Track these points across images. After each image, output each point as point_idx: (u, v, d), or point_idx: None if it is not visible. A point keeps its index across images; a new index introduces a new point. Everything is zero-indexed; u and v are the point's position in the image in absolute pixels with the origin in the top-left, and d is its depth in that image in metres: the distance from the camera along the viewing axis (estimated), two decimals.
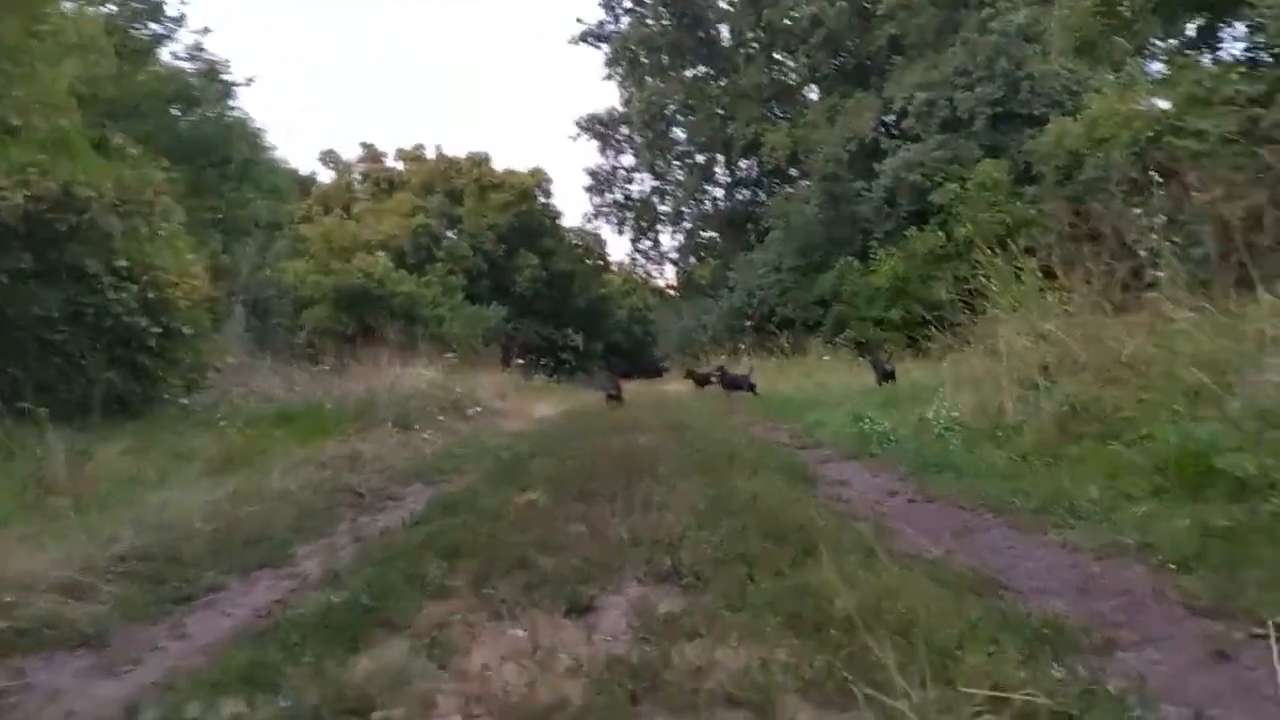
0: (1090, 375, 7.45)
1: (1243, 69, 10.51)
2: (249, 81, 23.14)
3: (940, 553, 4.29)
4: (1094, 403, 6.77)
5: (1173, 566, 3.64)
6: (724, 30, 36.44)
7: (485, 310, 38.64)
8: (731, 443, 8.67)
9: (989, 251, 11.48)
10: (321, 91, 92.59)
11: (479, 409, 14.54)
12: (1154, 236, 8.65)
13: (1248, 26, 10.96)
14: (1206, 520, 3.99)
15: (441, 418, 12.20)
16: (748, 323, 31.26)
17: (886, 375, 16.02)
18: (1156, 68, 33.35)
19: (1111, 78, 28.32)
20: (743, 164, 38.44)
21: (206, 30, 22.01)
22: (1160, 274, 8.55)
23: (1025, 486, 5.51)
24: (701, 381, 22.12)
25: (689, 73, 34.95)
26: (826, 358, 24.95)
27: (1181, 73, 12.07)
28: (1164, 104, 14.47)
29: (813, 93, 35.33)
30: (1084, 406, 6.73)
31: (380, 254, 35.88)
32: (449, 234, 44.55)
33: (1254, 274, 7.53)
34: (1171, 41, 14.10)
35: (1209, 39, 13.09)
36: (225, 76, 23.17)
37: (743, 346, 29.81)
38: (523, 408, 16.51)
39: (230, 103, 24.24)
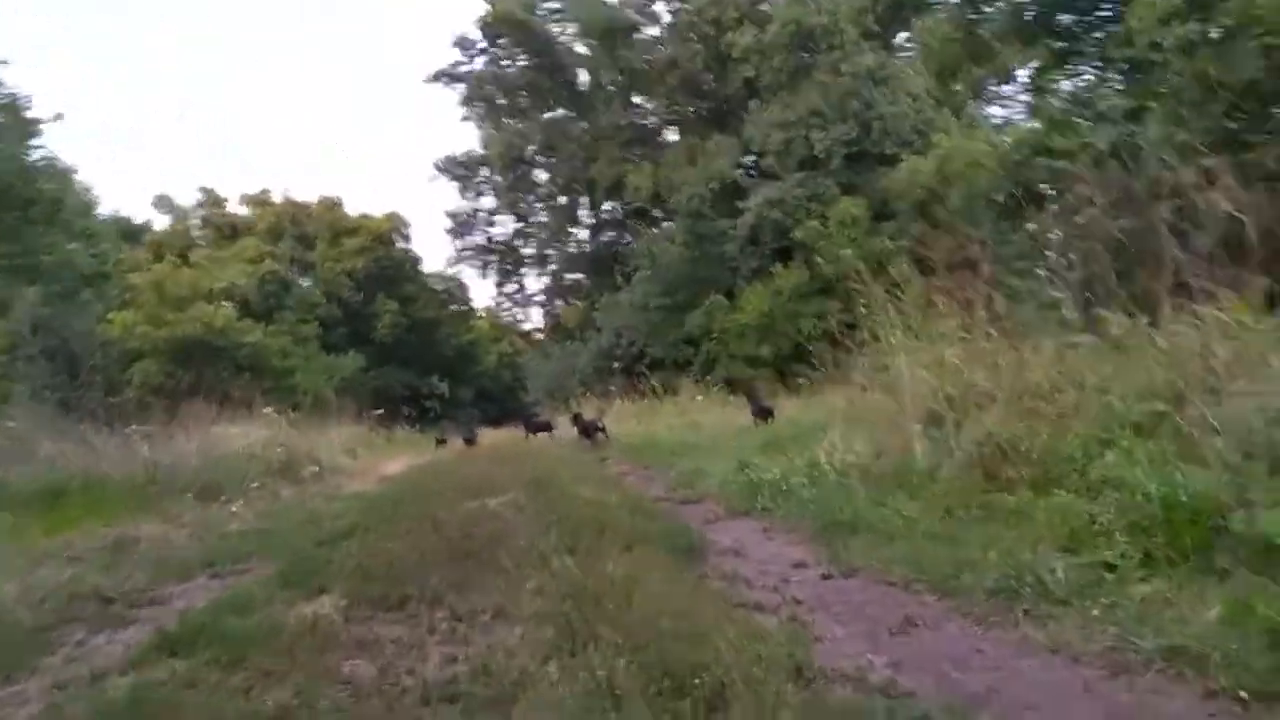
0: (1003, 408, 6.46)
1: (1118, 84, 10.13)
2: (57, 118, 20.26)
3: (886, 671, 2.99)
4: (1016, 440, 5.74)
5: (1243, 693, 2.43)
6: (582, 74, 35.71)
7: (341, 360, 36.03)
8: (602, 504, 7.26)
9: (864, 282, 10.48)
10: (160, 137, 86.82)
11: (317, 469, 12.61)
12: (1048, 255, 7.82)
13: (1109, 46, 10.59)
14: (1246, 606, 2.83)
15: (263, 484, 10.26)
16: (616, 364, 30.07)
17: (764, 413, 15.08)
18: (1001, 108, 34.68)
19: (954, 119, 29.14)
20: (606, 206, 37.64)
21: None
22: (1059, 294, 7.76)
23: (964, 554, 4.31)
24: (537, 429, 20.81)
25: (547, 115, 33.91)
26: (699, 397, 24.00)
27: (1043, 96, 11.67)
28: (1035, 125, 14.16)
29: (673, 134, 34.92)
30: (1009, 445, 5.67)
31: (224, 303, 32.96)
32: (301, 281, 41.70)
33: (1161, 292, 6.81)
34: (1033, 64, 13.80)
35: (1069, 60, 12.87)
36: (28, 112, 20.35)
37: (613, 389, 28.59)
38: (372, 465, 14.62)
39: (34, 141, 21.37)
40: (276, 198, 42.88)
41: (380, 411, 31.11)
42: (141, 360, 29.04)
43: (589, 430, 16.62)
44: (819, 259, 26.51)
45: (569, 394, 31.43)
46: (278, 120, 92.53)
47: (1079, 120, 10.36)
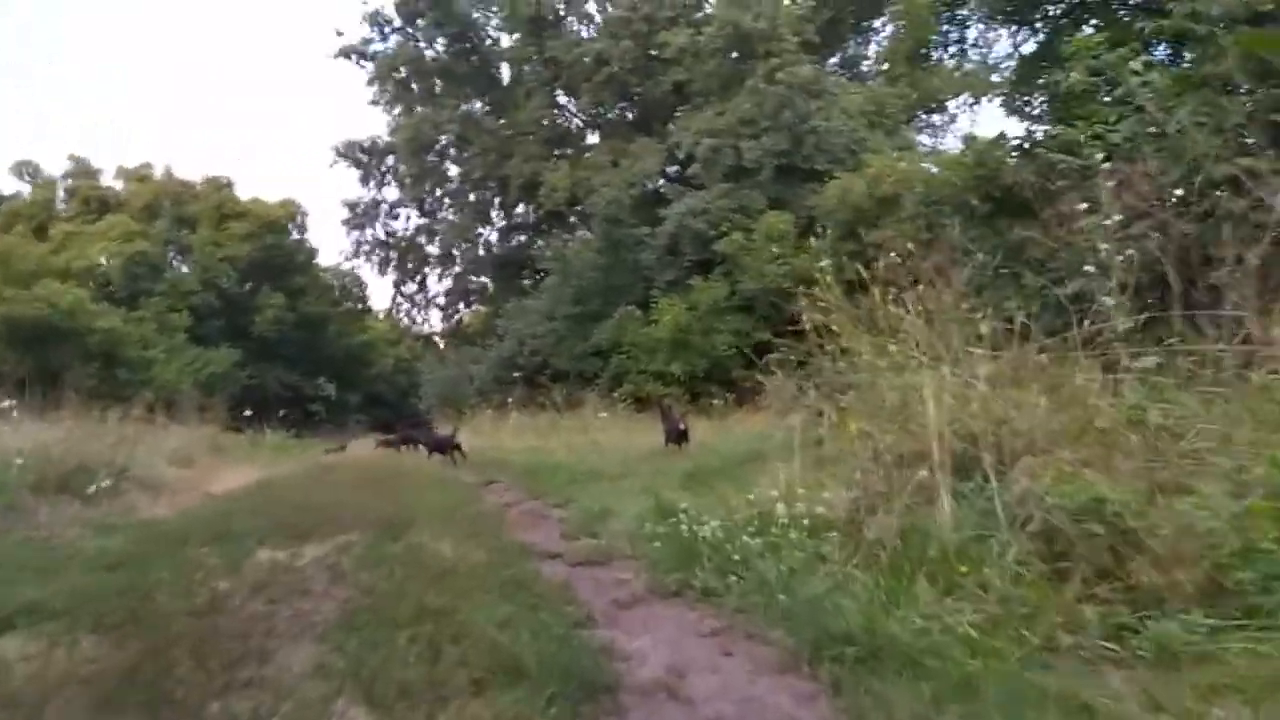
0: (1067, 453, 4.33)
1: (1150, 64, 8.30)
2: None
3: None
4: (1122, 508, 3.57)
5: None
6: (504, 66, 33.13)
7: (212, 353, 32.29)
8: (467, 563, 4.84)
9: (824, 285, 8.48)
10: (43, 98, 79.53)
11: (123, 481, 9.71)
12: (1099, 250, 5.80)
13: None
14: None
15: (11, 504, 7.41)
16: (517, 374, 27.48)
17: (678, 435, 12.88)
18: (929, 138, 33.56)
19: (885, 138, 27.83)
20: (519, 209, 35.06)
21: None
22: (1108, 300, 5.73)
23: None
24: (398, 444, 18.13)
25: (464, 107, 31.19)
26: (603, 414, 21.66)
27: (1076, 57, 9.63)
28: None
29: (595, 137, 32.70)
30: (1112, 516, 3.50)
31: (76, 284, 28.94)
32: (176, 265, 37.70)
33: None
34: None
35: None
36: None
37: (510, 400, 26.01)
38: (205, 478, 11.71)
39: None
40: (160, 174, 38.81)
41: (249, 413, 27.79)
42: None
43: (440, 446, 14.27)
44: (742, 274, 24.65)
45: (464, 403, 28.66)
46: (173, 95, 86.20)
47: (1100, 105, 8.48)
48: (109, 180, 38.18)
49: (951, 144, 31.55)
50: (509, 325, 30.67)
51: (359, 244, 35.32)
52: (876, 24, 34.83)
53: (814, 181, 26.76)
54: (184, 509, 8.41)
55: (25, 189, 35.77)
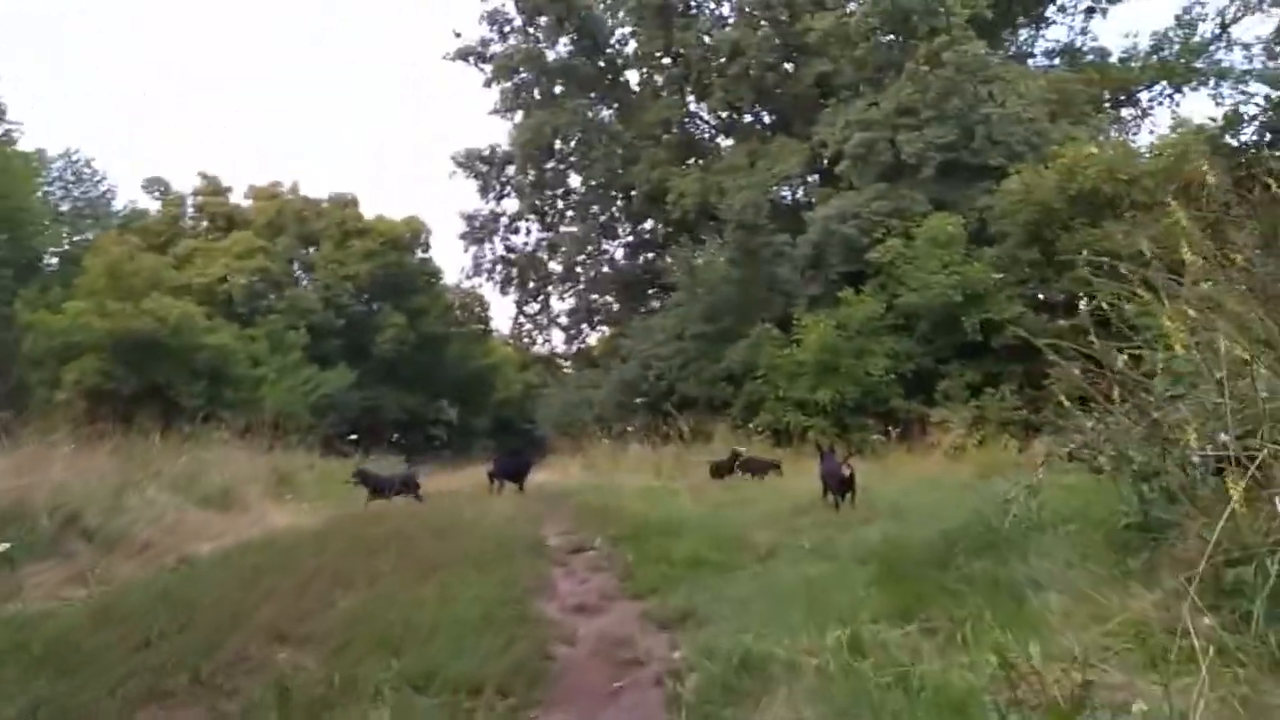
0: None
1: None
2: None
3: None
4: None
5: None
6: (630, 65, 30.86)
7: (327, 373, 31.12)
8: None
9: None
10: (189, 125, 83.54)
11: (67, 531, 7.42)
12: None
13: None
14: None
15: None
16: (640, 400, 24.74)
17: (842, 485, 9.72)
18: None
19: (1071, 129, 23.62)
20: (648, 224, 32.59)
21: None
22: None
23: None
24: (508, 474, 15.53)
25: (586, 110, 29.03)
26: (740, 448, 18.59)
27: None
28: None
29: (728, 141, 29.87)
30: None
31: (191, 300, 28.30)
32: (300, 283, 37.19)
33: None
34: None
35: None
36: None
37: (630, 429, 23.28)
38: (228, 524, 9.39)
39: None
40: (287, 192, 38.59)
41: (354, 437, 26.14)
42: (80, 358, 24.32)
43: (379, 488, 11.74)
44: (900, 286, 21.10)
45: (582, 431, 26.07)
46: (305, 115, 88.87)
47: None
48: (237, 198, 38.24)
49: (1145, 140, 26.83)
50: (633, 346, 28.06)
51: (478, 260, 33.63)
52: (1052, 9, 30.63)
53: (986, 179, 22.98)
54: (91, 595, 5.82)
55: (155, 205, 36.02)
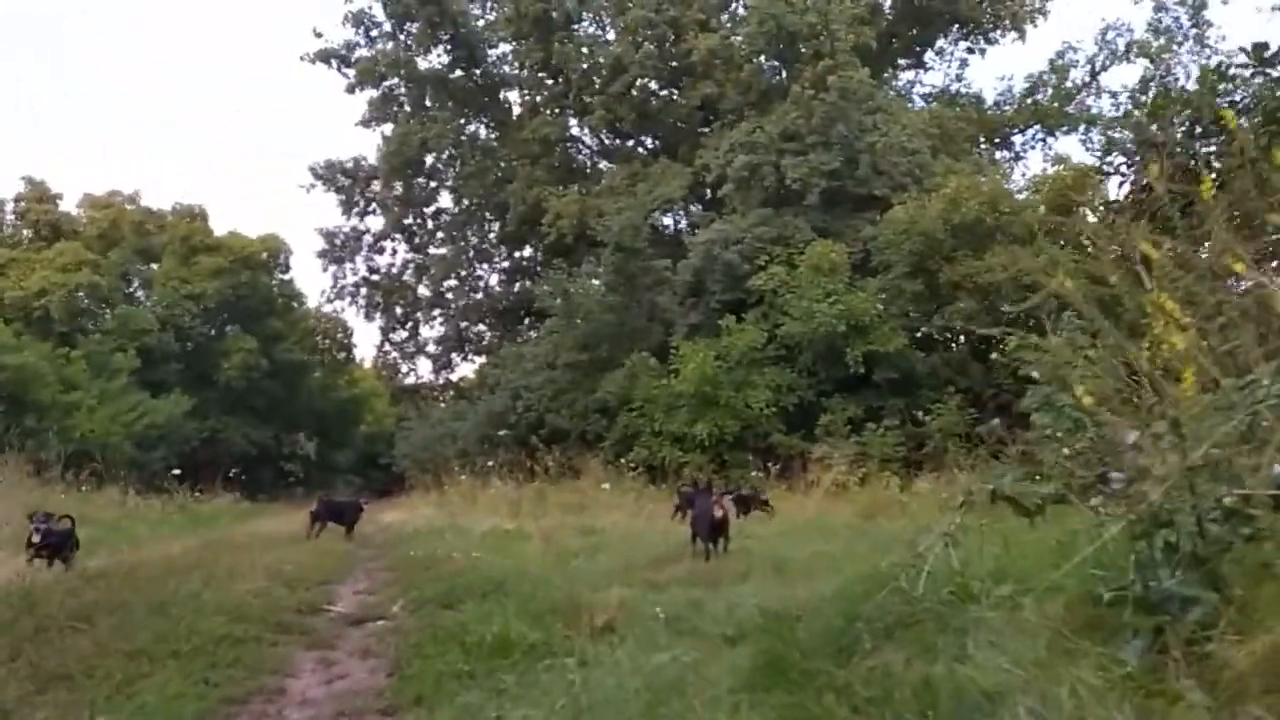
0: None
1: None
2: None
3: None
4: None
5: None
6: (506, 78, 29.30)
7: (155, 401, 27.87)
8: None
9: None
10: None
11: None
12: None
13: None
14: None
15: None
16: (505, 432, 22.88)
17: (714, 529, 8.25)
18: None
19: (953, 163, 23.41)
20: (526, 252, 30.89)
21: None
22: None
23: None
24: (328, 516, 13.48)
25: (459, 122, 27.25)
26: (606, 485, 17.06)
27: None
28: None
29: (609, 163, 28.62)
30: None
31: None
32: (137, 300, 33.68)
33: None
34: None
35: None
36: None
37: (491, 464, 21.43)
38: None
39: None
40: (125, 201, 35.02)
41: (177, 471, 23.28)
42: None
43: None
44: (784, 316, 20.09)
45: (442, 466, 23.90)
46: (152, 121, 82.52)
47: None
48: (69, 206, 34.42)
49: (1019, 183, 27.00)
50: (502, 375, 26.20)
51: (339, 282, 31.17)
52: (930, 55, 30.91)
53: (870, 209, 22.47)
54: None
55: None
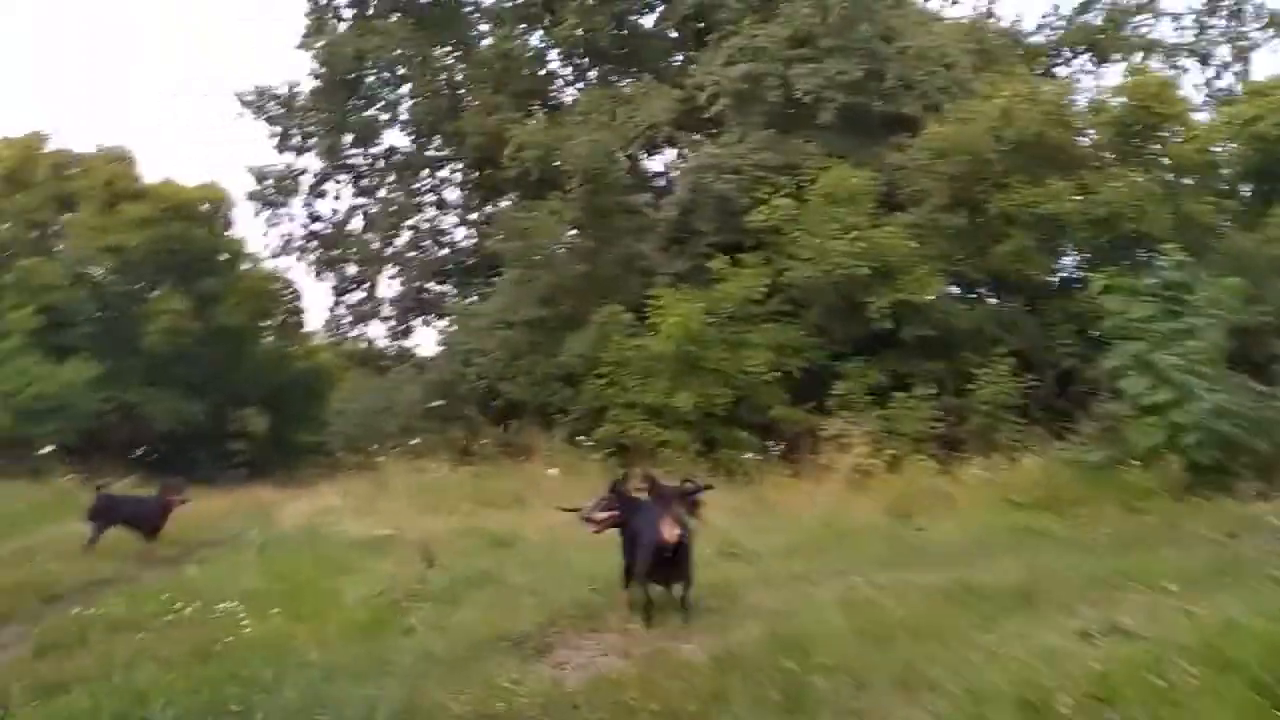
0: None
1: None
2: None
3: None
4: None
5: None
6: None
7: (45, 368, 23.88)
8: None
9: None
10: None
11: None
12: None
13: None
14: None
15: None
16: (440, 401, 19.07)
17: (663, 562, 4.23)
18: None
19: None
20: (501, 205, 26.81)
21: None
22: None
23: None
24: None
25: (407, 35, 23.15)
26: (553, 471, 13.26)
27: None
28: None
29: (583, 85, 24.54)
30: None
31: None
32: (51, 253, 29.68)
33: None
34: None
35: None
36: None
37: (414, 441, 17.76)
38: None
39: None
40: (49, 145, 30.94)
41: (52, 449, 19.44)
42: None
43: None
44: (790, 260, 16.18)
45: (380, 443, 20.01)
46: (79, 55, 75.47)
47: None
48: None
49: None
50: (453, 338, 22.34)
51: (275, 227, 27.21)
52: None
53: (898, 134, 18.43)
54: None
55: None
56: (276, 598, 5.37)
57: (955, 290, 16.82)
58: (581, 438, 16.27)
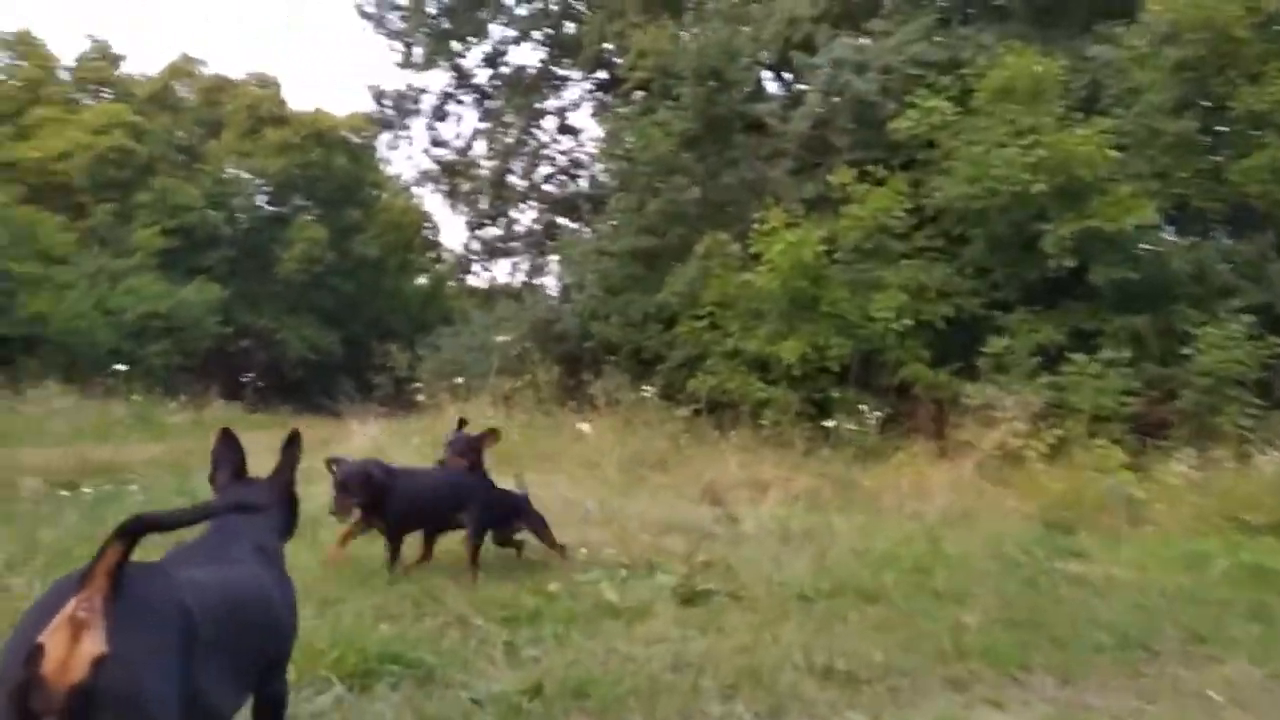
0: None
1: None
2: None
3: None
4: None
5: None
6: None
7: (156, 286, 23.64)
8: None
9: None
10: None
11: None
12: None
13: None
14: None
15: None
16: (527, 345, 16.68)
17: None
18: None
19: None
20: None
21: None
22: None
23: None
24: None
25: None
26: (584, 426, 10.66)
27: None
28: None
29: None
30: None
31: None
32: (193, 173, 29.85)
33: None
34: None
35: None
36: None
37: (503, 384, 15.43)
38: None
39: None
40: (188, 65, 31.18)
41: (123, 370, 18.64)
42: None
43: None
44: (942, 177, 12.54)
45: (474, 386, 18.03)
46: None
47: None
48: (136, 72, 30.90)
49: None
50: (561, 270, 20.07)
51: (393, 151, 25.79)
52: None
53: (1103, 21, 14.05)
54: None
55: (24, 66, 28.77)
56: None
57: (1171, 222, 12.55)
58: (677, 391, 13.49)
